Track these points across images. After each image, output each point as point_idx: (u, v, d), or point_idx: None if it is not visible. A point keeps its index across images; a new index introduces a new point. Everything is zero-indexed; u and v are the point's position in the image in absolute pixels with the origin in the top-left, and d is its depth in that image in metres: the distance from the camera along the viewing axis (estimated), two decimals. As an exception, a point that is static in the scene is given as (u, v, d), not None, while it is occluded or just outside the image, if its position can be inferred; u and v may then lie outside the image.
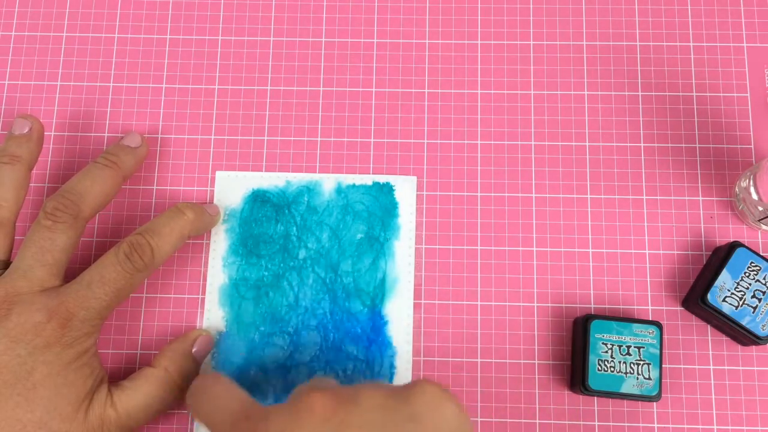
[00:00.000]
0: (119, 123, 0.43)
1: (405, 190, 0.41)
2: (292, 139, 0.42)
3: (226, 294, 0.40)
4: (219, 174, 0.42)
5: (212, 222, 0.40)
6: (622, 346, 0.37)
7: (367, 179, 0.41)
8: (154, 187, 0.42)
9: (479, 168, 0.42)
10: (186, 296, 0.40)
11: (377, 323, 0.39)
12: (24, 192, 0.37)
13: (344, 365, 0.39)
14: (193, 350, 0.38)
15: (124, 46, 0.44)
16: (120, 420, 0.34)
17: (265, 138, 0.42)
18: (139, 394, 0.35)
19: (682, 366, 0.39)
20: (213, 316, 0.40)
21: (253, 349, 0.39)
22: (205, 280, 0.40)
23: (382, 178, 0.41)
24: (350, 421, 0.28)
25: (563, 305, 0.40)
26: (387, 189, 0.41)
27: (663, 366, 0.38)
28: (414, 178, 0.41)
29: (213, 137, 0.42)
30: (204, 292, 0.40)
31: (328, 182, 0.41)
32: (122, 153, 0.39)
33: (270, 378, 0.39)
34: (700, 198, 0.41)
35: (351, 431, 0.27)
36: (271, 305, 0.40)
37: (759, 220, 0.39)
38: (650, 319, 0.39)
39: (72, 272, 0.41)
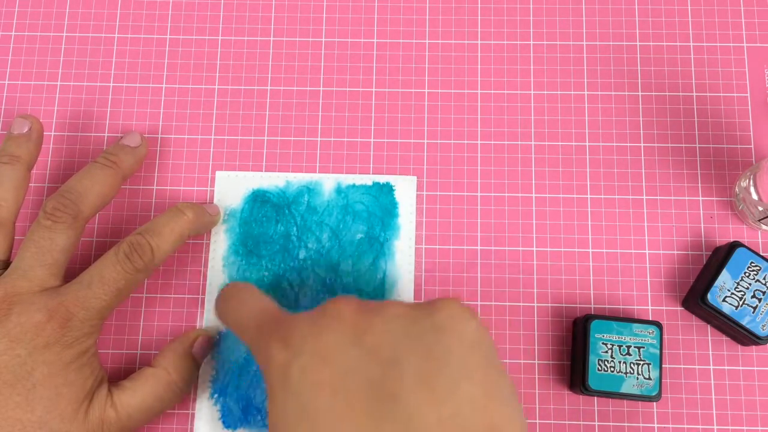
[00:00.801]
0: (119, 123, 0.43)
1: (405, 190, 0.41)
2: (292, 139, 0.42)
3: (226, 294, 0.40)
4: (219, 174, 0.42)
5: (212, 222, 0.40)
6: (622, 346, 0.37)
7: (367, 179, 0.41)
8: (154, 187, 0.42)
9: (479, 168, 0.42)
10: (186, 296, 0.40)
11: (377, 323, 0.39)
12: (23, 192, 0.37)
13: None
14: (193, 350, 0.38)
15: (124, 46, 0.44)
16: (120, 420, 0.34)
17: (265, 138, 0.42)
18: (139, 394, 0.35)
19: (682, 366, 0.39)
20: (213, 316, 0.40)
21: (253, 349, 0.39)
22: (205, 280, 0.40)
23: (382, 178, 0.41)
24: (374, 328, 0.28)
25: (563, 305, 0.40)
26: (387, 189, 0.41)
27: (663, 366, 0.38)
28: (414, 178, 0.41)
29: (213, 137, 0.42)
30: (204, 292, 0.40)
31: (328, 182, 0.41)
32: (122, 153, 0.39)
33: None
34: (700, 198, 0.41)
35: (375, 337, 0.28)
36: (271, 305, 0.40)
37: (759, 220, 0.39)
38: (650, 319, 0.39)
39: (72, 272, 0.40)
